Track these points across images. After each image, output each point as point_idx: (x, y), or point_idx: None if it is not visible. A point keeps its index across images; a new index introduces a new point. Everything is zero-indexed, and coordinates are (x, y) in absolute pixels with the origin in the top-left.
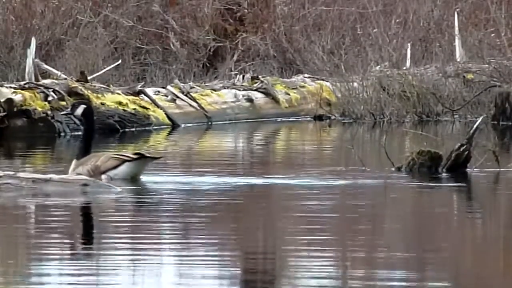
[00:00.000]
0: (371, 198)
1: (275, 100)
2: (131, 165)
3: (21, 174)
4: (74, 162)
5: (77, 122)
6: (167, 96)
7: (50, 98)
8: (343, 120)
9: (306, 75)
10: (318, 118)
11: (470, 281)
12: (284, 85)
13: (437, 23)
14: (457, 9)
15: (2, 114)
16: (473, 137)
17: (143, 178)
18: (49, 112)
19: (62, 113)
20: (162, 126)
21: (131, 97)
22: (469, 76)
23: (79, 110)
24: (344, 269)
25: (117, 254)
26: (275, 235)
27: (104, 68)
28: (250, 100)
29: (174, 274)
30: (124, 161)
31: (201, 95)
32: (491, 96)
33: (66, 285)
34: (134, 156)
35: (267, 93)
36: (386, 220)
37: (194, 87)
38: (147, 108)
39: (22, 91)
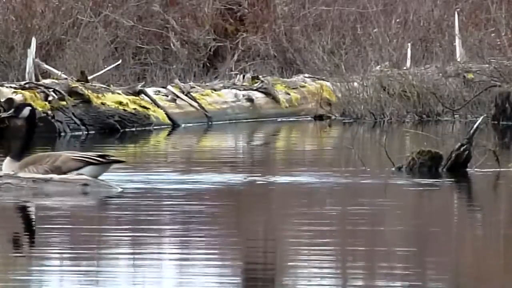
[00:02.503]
0: (371, 198)
1: (276, 100)
2: (95, 168)
3: (22, 174)
4: (10, 160)
5: (78, 122)
6: (167, 96)
7: (50, 98)
8: (344, 120)
9: (306, 75)
10: (319, 118)
11: (470, 281)
12: (284, 85)
13: (437, 23)
14: (457, 9)
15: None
16: (473, 137)
17: (144, 177)
18: (49, 112)
19: (3, 115)
20: (163, 126)
21: (131, 97)
22: (470, 76)
23: (26, 112)
24: (344, 268)
25: (117, 254)
26: (275, 235)
27: (105, 68)
28: (250, 100)
29: (174, 273)
30: (88, 164)
31: (202, 95)
32: (491, 96)
33: (67, 285)
34: (101, 160)
35: (267, 93)
36: (386, 220)
37: (194, 87)
38: (147, 108)
39: (23, 91)
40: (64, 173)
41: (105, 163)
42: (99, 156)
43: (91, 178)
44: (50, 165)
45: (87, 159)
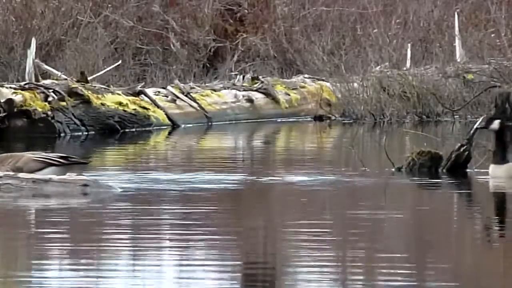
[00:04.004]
0: (371, 199)
1: (275, 100)
2: (57, 169)
3: (21, 175)
4: None
5: (77, 122)
6: (167, 97)
7: (50, 99)
8: (343, 120)
9: (306, 75)
10: (318, 118)
11: (470, 282)
12: (284, 86)
13: (437, 23)
14: (457, 10)
15: (2, 114)
16: (473, 137)
17: (144, 177)
18: (49, 113)
19: None
20: (162, 127)
21: (131, 98)
22: (469, 76)
23: None
24: (344, 268)
25: (117, 255)
26: (275, 236)
27: (104, 68)
28: (250, 100)
29: (174, 275)
30: (49, 164)
31: (201, 95)
32: (491, 97)
33: (66, 285)
34: (62, 161)
35: (267, 94)
36: (386, 221)
37: (194, 88)
38: (147, 109)
39: (22, 92)
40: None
41: (67, 164)
42: (61, 157)
43: (91, 179)
44: (12, 166)
45: (48, 160)
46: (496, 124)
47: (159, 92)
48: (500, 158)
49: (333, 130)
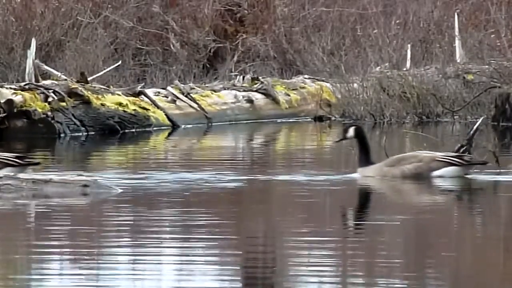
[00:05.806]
0: (371, 199)
1: (275, 101)
2: (13, 170)
3: (21, 175)
4: None
5: (77, 123)
6: (167, 97)
7: (50, 99)
8: (343, 121)
9: (306, 76)
10: (318, 119)
11: (470, 282)
12: (284, 86)
13: (437, 24)
14: (457, 10)
15: (2, 115)
16: (473, 138)
17: (143, 178)
18: (49, 113)
19: None
20: (162, 127)
21: (131, 98)
22: (469, 77)
23: None
24: (344, 270)
25: (117, 255)
26: (275, 236)
27: (104, 69)
28: (250, 101)
29: (174, 275)
30: (7, 165)
31: (201, 96)
32: (491, 97)
33: (67, 286)
34: (19, 161)
35: (267, 94)
36: (386, 221)
37: (194, 88)
38: (147, 109)
39: (22, 92)
40: None
41: (24, 164)
42: (17, 157)
43: (91, 179)
44: None
45: (5, 161)
46: (351, 131)
47: (159, 92)
48: (364, 161)
49: (333, 131)
